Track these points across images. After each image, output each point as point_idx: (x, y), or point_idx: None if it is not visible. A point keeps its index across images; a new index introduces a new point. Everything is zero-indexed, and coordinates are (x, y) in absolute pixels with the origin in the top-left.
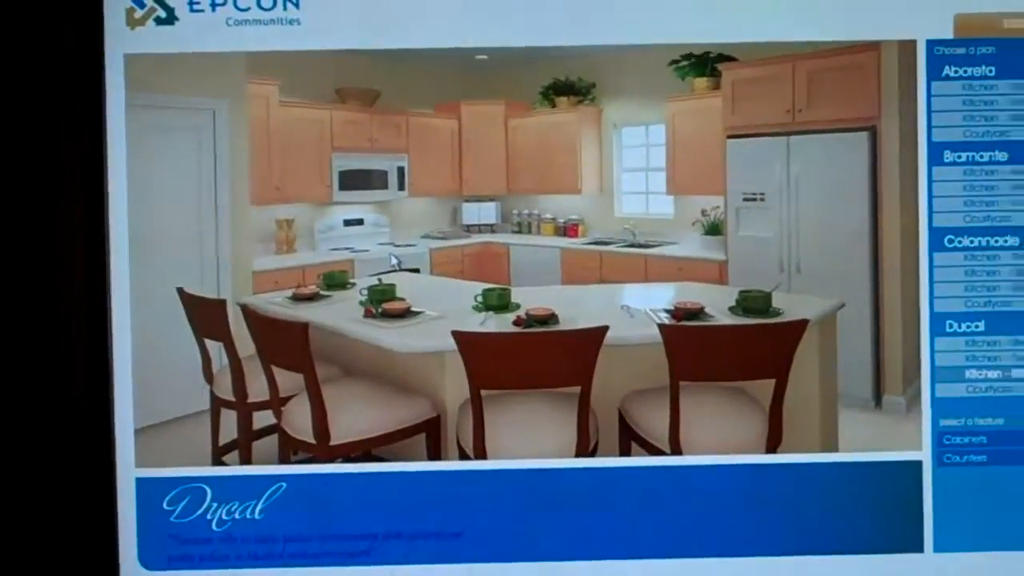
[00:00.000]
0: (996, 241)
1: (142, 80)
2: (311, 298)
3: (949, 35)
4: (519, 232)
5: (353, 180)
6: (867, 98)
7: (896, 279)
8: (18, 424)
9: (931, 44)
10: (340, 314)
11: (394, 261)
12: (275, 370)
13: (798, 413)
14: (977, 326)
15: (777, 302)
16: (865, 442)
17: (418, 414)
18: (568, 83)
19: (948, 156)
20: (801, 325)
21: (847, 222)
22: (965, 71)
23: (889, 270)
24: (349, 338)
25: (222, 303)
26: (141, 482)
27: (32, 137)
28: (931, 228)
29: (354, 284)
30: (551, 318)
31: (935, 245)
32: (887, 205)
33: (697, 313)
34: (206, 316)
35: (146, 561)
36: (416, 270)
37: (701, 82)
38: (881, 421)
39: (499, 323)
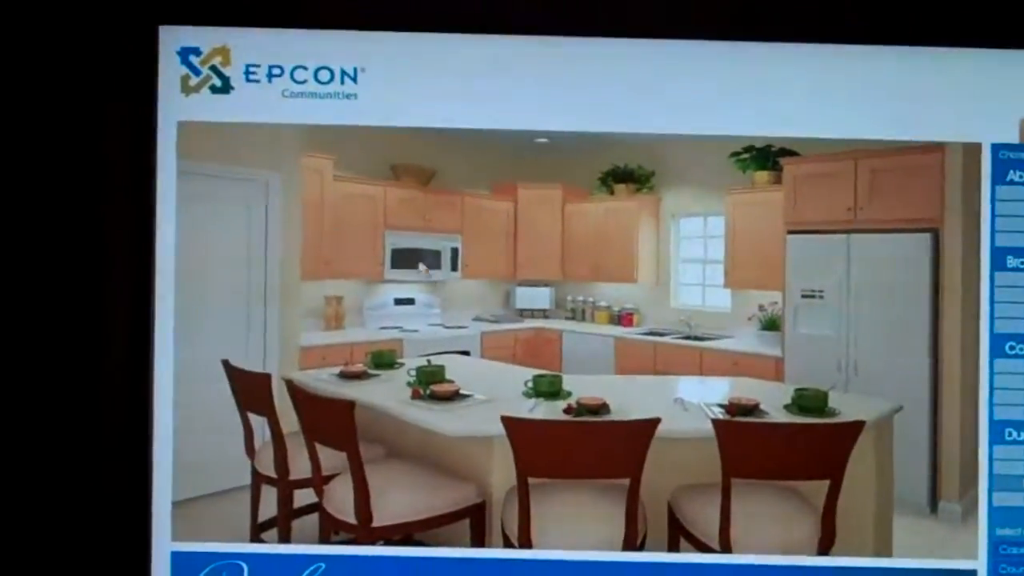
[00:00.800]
0: None
1: (194, 148)
2: (358, 376)
3: (1015, 139)
4: (572, 319)
5: (406, 259)
6: (930, 199)
7: (955, 384)
8: (56, 491)
9: (996, 148)
10: (387, 394)
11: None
12: (318, 448)
13: (852, 516)
14: None
15: (833, 402)
16: (919, 549)
17: (463, 499)
18: (627, 170)
19: (1011, 262)
20: (857, 426)
21: (907, 324)
22: None
23: (948, 374)
24: (396, 419)
25: (267, 377)
26: (177, 556)
27: (80, 202)
28: (992, 334)
29: (402, 364)
30: (602, 408)
31: (996, 351)
32: (948, 308)
33: (752, 409)
34: (250, 390)
35: None
36: (467, 352)
37: (762, 175)
38: (936, 528)
39: (549, 410)
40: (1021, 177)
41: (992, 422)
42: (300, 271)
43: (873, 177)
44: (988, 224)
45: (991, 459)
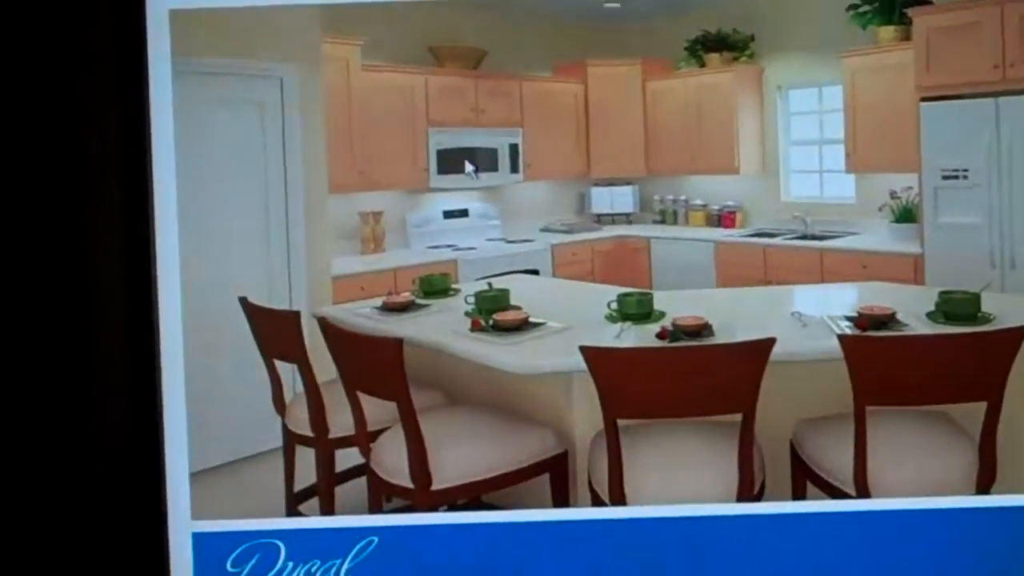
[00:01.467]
0: None
1: (192, 42)
2: (405, 308)
3: None
4: (662, 223)
5: (455, 161)
6: None
7: None
8: (51, 471)
9: None
10: (441, 327)
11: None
12: (362, 398)
13: (1016, 443)
14: None
15: (987, 306)
16: None
17: (540, 450)
18: (720, 36)
19: None
20: (1018, 334)
21: None
22: None
23: None
24: (453, 357)
25: (296, 316)
26: (199, 538)
27: (60, 112)
28: None
29: (458, 290)
30: (703, 329)
31: None
32: None
33: (887, 321)
34: (276, 332)
35: None
36: (535, 271)
37: (887, 31)
38: None
39: (639, 336)
40: None
41: None
42: (328, 184)
43: None
44: None
45: None
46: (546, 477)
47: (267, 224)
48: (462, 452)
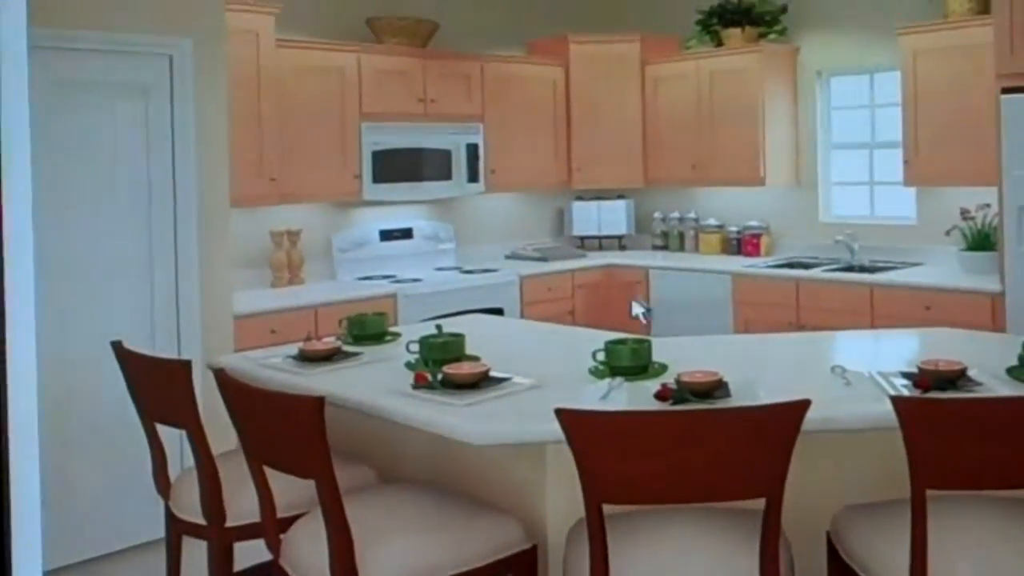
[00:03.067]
0: None
1: (55, 10)
2: (329, 357)
3: None
4: (664, 248)
5: (396, 167)
6: None
7: None
8: None
9: None
10: (375, 384)
11: (638, 311)
12: (270, 475)
13: None
14: None
15: None
16: None
17: (502, 544)
18: (744, 6)
19: None
20: None
21: None
22: None
23: None
24: (389, 422)
25: (185, 367)
26: None
27: None
28: None
29: (397, 335)
30: (716, 388)
31: None
32: None
33: (955, 379)
34: (160, 388)
35: None
36: (499, 310)
37: (960, 2)
38: None
39: (633, 397)
40: None
41: None
42: (230, 194)
43: None
44: None
45: None
46: None
47: (149, 246)
48: (399, 547)
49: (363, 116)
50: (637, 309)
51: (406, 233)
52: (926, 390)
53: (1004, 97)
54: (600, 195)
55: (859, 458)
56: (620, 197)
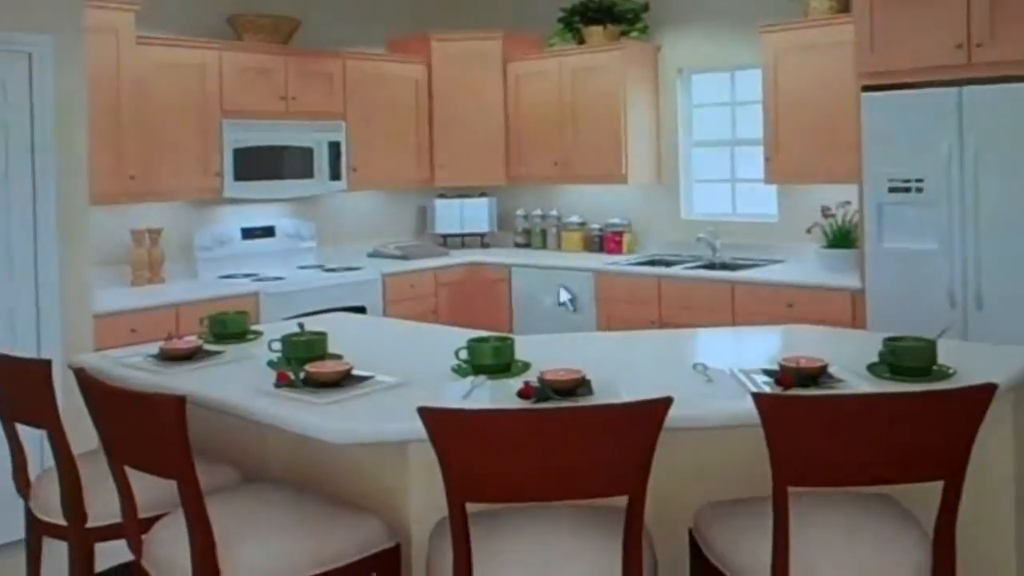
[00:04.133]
0: None
1: None
2: (190, 356)
3: None
4: (527, 246)
5: (257, 165)
6: None
7: None
8: None
9: None
10: (237, 382)
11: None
12: (132, 475)
13: (981, 535)
14: None
15: (945, 357)
16: None
17: (364, 544)
18: (605, 3)
19: None
20: (984, 394)
21: None
22: None
23: None
24: (252, 421)
25: (45, 366)
26: None
27: None
28: None
29: (259, 333)
30: (579, 386)
31: None
32: None
33: (817, 376)
34: (19, 388)
35: None
36: (361, 308)
37: (820, 0)
38: None
39: (496, 395)
40: None
41: None
42: (90, 192)
43: None
44: None
45: None
46: None
47: (8, 244)
48: (262, 547)
49: (224, 114)
50: (564, 296)
51: (268, 231)
52: (787, 387)
53: (865, 95)
54: (463, 193)
55: (722, 455)
56: (483, 195)
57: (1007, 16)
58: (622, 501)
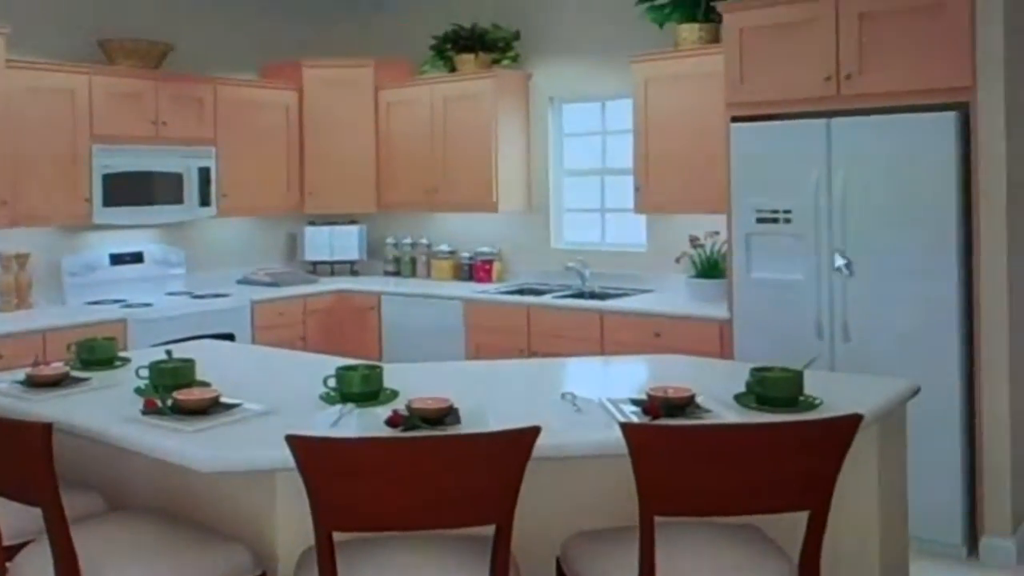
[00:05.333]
0: None
1: None
2: (57, 383)
3: None
4: (396, 274)
5: (127, 190)
6: (954, 58)
7: (1002, 348)
8: None
9: None
10: (104, 409)
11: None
12: None
13: (846, 566)
14: None
15: (812, 387)
16: None
17: (231, 573)
18: (477, 32)
19: None
20: (850, 424)
21: (924, 255)
22: None
23: (990, 333)
24: (118, 448)
25: None
26: None
27: None
28: None
29: (127, 360)
30: (447, 415)
31: None
32: (987, 229)
33: (684, 406)
34: None
35: None
36: (230, 336)
37: (690, 31)
38: None
39: (364, 423)
40: None
41: None
42: None
43: (864, 27)
44: None
45: None
46: None
47: None
48: (127, 574)
49: (94, 138)
50: (839, 261)
51: (137, 257)
52: (655, 417)
53: (734, 126)
54: (333, 220)
55: (589, 484)
56: (353, 222)
57: (875, 49)
58: (490, 530)
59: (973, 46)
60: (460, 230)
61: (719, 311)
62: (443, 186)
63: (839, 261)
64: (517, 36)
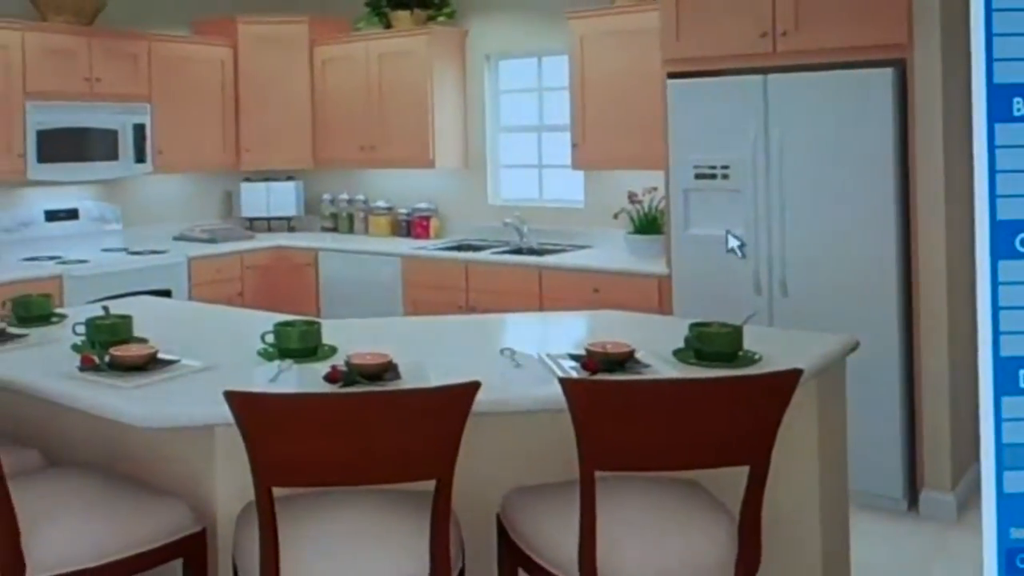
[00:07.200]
0: None
1: None
2: None
3: None
4: (334, 230)
5: (61, 147)
6: (891, 15)
7: (941, 302)
8: None
9: None
10: (40, 365)
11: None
12: None
13: (786, 520)
14: None
15: (751, 342)
16: (892, 564)
17: (169, 529)
18: None
19: (1020, 107)
20: (790, 379)
21: (861, 211)
22: None
23: (928, 288)
24: (55, 404)
25: None
26: None
27: None
28: (994, 222)
29: (63, 316)
30: (386, 370)
31: (1002, 248)
32: (924, 184)
33: (623, 361)
34: None
35: None
36: (167, 292)
37: None
38: (918, 531)
39: (302, 379)
40: None
41: (999, 361)
42: None
43: None
44: (982, 51)
45: (999, 420)
46: (179, 563)
47: None
48: (65, 531)
49: (27, 95)
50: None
51: (72, 214)
52: (594, 372)
53: (670, 82)
54: (269, 176)
55: (529, 440)
56: (289, 179)
57: (811, 6)
58: (430, 485)
59: (910, 2)
60: (397, 186)
61: (657, 267)
62: (380, 143)
63: (733, 242)
64: None
